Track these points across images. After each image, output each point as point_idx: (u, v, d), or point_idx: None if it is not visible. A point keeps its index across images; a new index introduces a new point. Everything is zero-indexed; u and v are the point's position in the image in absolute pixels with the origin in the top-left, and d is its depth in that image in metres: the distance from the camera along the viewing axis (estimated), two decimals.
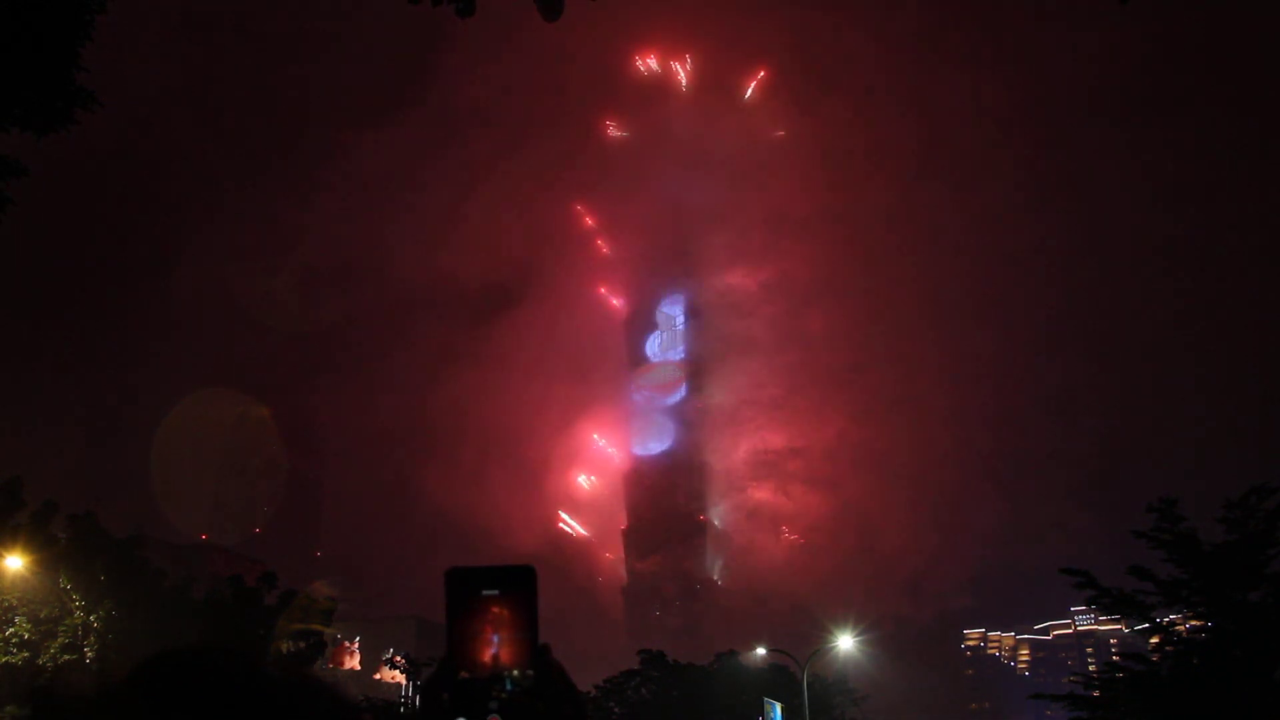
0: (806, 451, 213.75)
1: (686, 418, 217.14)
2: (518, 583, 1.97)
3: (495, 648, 1.93)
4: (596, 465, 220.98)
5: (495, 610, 1.95)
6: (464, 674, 1.91)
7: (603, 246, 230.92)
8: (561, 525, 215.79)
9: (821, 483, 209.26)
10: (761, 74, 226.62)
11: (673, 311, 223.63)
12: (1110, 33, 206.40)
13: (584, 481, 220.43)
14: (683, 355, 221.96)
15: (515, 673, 1.92)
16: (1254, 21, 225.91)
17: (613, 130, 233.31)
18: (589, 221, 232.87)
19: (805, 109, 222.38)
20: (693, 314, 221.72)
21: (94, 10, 11.16)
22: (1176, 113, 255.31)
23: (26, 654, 33.57)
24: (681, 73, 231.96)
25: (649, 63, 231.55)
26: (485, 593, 1.96)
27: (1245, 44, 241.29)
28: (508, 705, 1.89)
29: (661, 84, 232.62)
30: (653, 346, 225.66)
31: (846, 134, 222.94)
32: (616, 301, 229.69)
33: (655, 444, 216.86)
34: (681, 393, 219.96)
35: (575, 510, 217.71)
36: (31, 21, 10.53)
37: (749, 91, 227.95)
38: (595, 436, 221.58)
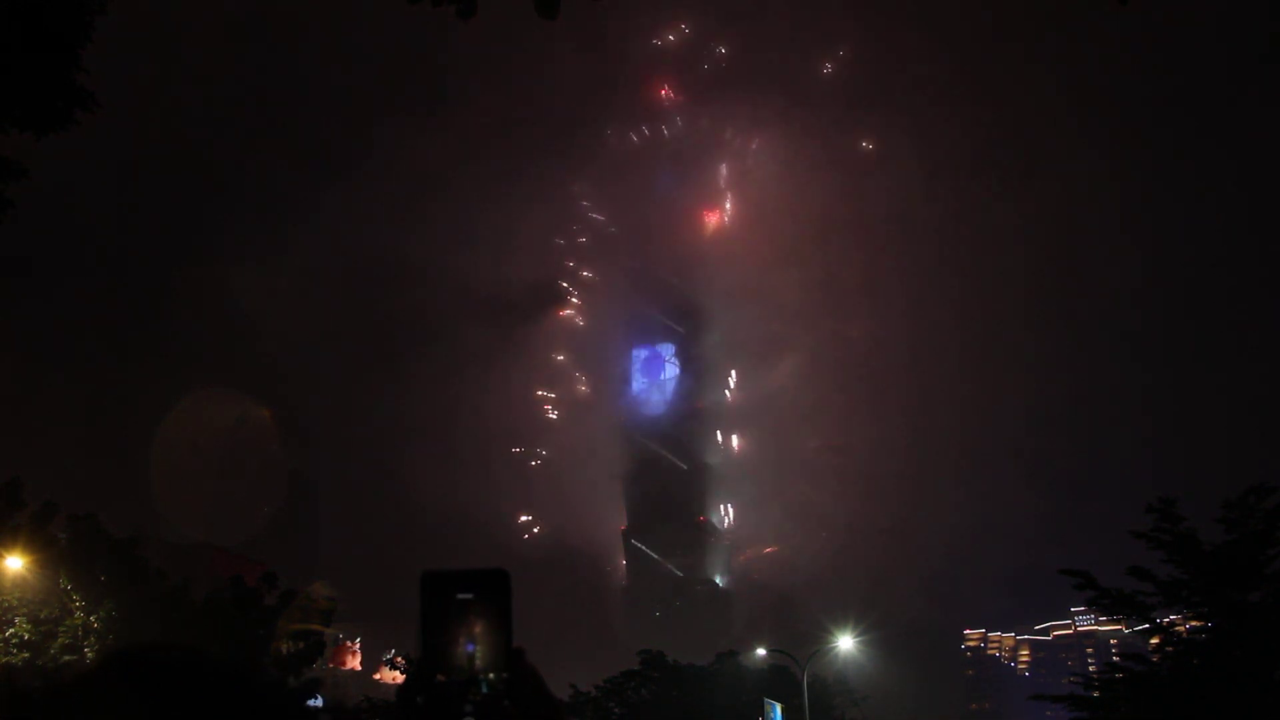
0: (812, 451, 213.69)
1: (688, 418, 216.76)
2: (492, 586, 1.97)
3: (470, 650, 1.92)
4: (595, 463, 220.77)
5: (470, 613, 1.94)
6: (440, 677, 1.90)
7: (623, 252, 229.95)
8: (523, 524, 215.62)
9: (827, 485, 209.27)
10: (843, 52, 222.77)
11: (688, 307, 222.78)
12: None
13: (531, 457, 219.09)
14: (687, 355, 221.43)
15: (490, 675, 1.91)
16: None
17: (637, 130, 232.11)
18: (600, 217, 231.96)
19: (862, 111, 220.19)
20: (707, 311, 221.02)
21: (94, 11, 11.17)
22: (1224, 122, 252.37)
23: (27, 655, 33.50)
24: (719, 54, 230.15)
25: (682, 34, 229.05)
26: (460, 596, 1.95)
27: None
28: (482, 708, 1.88)
29: (694, 69, 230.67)
30: (666, 348, 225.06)
31: (902, 135, 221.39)
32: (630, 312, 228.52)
33: (657, 445, 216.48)
34: (679, 392, 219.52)
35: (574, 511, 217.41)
36: (32, 22, 10.53)
37: (826, 69, 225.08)
38: (547, 409, 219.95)
